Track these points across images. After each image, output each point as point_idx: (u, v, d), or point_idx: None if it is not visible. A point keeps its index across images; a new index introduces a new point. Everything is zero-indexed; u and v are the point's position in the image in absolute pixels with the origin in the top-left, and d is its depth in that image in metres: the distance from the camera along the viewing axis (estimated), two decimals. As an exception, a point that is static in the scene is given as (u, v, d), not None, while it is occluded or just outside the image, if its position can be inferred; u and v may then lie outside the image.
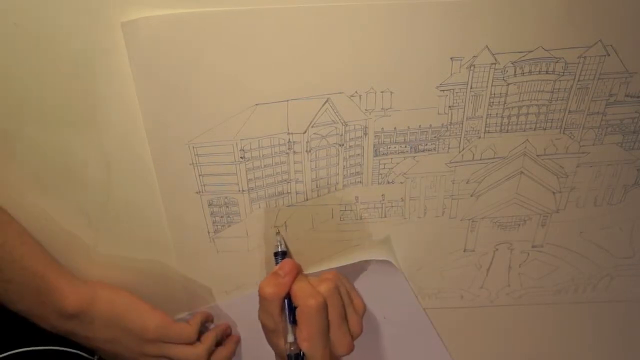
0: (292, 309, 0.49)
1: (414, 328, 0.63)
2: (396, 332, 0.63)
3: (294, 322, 0.49)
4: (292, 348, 0.48)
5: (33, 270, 0.50)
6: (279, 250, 0.53)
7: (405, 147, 0.51)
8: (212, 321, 0.63)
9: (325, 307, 0.48)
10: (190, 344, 0.57)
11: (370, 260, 0.56)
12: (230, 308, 0.63)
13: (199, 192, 0.53)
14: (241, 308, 0.62)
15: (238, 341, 0.64)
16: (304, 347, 0.48)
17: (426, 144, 0.51)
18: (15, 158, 0.49)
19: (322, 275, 0.51)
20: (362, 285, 0.57)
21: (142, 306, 0.55)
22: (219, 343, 0.61)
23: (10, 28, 0.43)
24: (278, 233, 0.55)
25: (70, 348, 0.56)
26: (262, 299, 0.49)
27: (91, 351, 0.57)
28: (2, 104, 0.46)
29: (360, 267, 0.57)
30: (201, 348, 0.57)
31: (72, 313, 0.52)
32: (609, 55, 0.46)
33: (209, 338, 0.59)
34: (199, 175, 0.52)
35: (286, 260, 0.51)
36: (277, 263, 0.52)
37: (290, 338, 0.48)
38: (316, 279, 0.50)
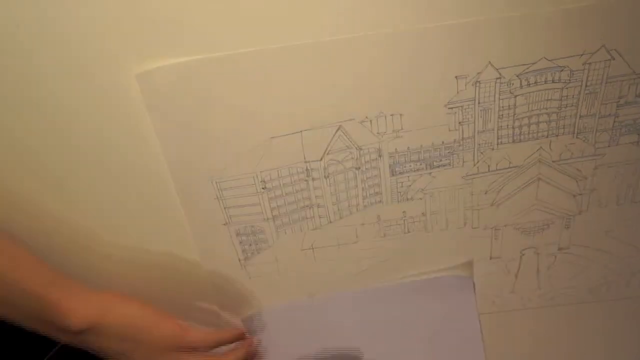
0: None
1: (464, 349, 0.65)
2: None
3: None
4: None
5: (31, 293, 0.49)
6: None
7: (421, 164, 0.53)
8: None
9: None
10: (211, 355, 0.57)
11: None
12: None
13: (226, 223, 0.55)
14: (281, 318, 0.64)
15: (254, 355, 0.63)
16: None
17: (440, 160, 0.52)
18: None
19: None
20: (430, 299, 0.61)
21: (156, 316, 0.54)
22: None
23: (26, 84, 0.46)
24: None
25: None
26: None
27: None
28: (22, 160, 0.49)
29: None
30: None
31: (77, 330, 0.50)
32: (613, 59, 0.46)
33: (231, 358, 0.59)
34: (224, 207, 0.54)
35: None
36: None
37: None
38: None
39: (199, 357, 0.56)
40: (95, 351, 0.54)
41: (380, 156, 0.52)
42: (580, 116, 0.50)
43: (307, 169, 0.53)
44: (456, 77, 0.47)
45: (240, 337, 0.61)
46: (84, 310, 0.51)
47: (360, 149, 0.52)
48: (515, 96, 0.49)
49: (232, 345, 0.59)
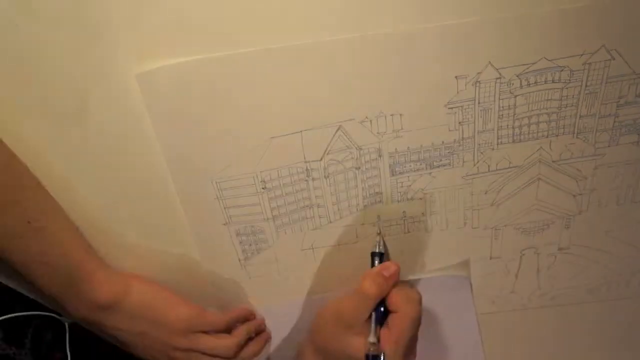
0: (380, 310, 0.50)
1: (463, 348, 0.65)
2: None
3: (379, 323, 0.49)
4: (372, 349, 0.48)
5: (71, 257, 0.50)
6: (377, 251, 0.54)
7: (421, 164, 0.53)
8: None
9: (420, 319, 0.50)
10: (222, 334, 0.58)
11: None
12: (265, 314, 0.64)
13: (226, 223, 0.55)
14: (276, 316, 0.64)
15: (269, 339, 0.64)
16: (388, 347, 0.48)
17: (441, 160, 0.52)
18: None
19: (412, 289, 0.52)
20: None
21: (174, 298, 0.56)
22: (251, 338, 0.61)
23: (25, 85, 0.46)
24: (379, 233, 0.55)
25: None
26: (363, 295, 0.49)
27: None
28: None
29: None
30: (231, 341, 0.58)
31: (103, 304, 0.52)
32: (613, 59, 0.46)
33: (241, 332, 0.59)
34: (224, 207, 0.54)
35: (391, 262, 0.52)
36: (373, 263, 0.53)
37: (373, 338, 0.48)
38: (408, 289, 0.51)
39: (212, 340, 0.57)
40: (110, 332, 0.55)
41: (380, 156, 0.52)
42: (580, 116, 0.50)
43: (307, 169, 0.53)
44: (456, 77, 0.47)
45: (250, 317, 0.62)
46: (110, 285, 0.52)
47: (360, 149, 0.52)
48: (515, 96, 0.49)
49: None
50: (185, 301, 0.56)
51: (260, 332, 0.63)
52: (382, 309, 0.50)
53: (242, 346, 0.59)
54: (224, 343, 0.57)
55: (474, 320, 0.63)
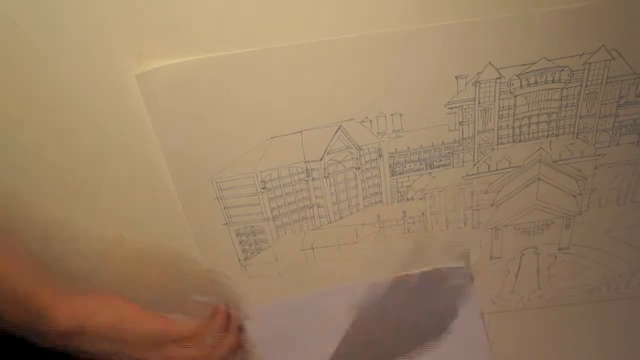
0: None
1: (469, 344, 0.64)
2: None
3: None
4: None
5: (22, 289, 0.49)
6: None
7: (421, 164, 0.53)
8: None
9: None
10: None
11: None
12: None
13: (227, 223, 0.55)
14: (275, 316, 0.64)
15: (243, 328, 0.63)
16: None
17: (441, 160, 0.52)
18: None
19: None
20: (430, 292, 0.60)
21: (138, 314, 0.55)
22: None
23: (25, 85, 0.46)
24: None
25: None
26: None
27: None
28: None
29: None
30: (202, 344, 0.57)
31: (67, 331, 0.51)
32: (614, 59, 0.46)
33: (210, 332, 0.59)
34: (224, 207, 0.54)
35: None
36: None
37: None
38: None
39: (189, 348, 0.56)
40: (86, 355, 0.54)
41: (380, 156, 0.52)
42: (580, 116, 0.50)
43: (307, 169, 0.53)
44: (456, 77, 0.48)
45: (217, 314, 0.60)
46: (70, 311, 0.51)
47: (360, 149, 0.52)
48: (515, 96, 0.49)
49: None
50: (153, 314, 0.55)
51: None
52: None
53: (215, 344, 0.59)
54: (196, 350, 0.57)
55: (479, 321, 0.63)
